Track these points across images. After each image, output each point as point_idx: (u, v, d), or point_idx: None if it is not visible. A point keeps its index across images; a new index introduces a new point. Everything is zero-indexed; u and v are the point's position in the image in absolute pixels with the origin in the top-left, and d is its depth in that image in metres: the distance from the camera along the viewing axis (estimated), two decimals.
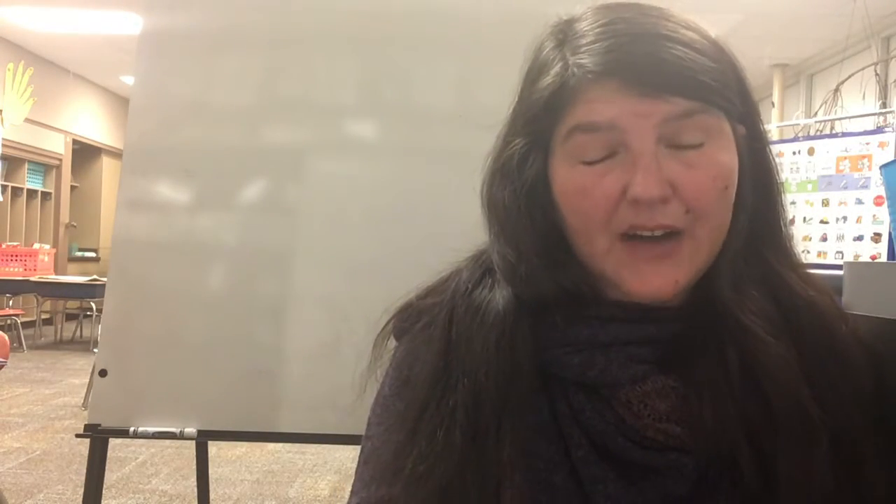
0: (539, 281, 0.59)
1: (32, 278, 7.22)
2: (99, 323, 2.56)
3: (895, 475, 0.57)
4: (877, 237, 4.35)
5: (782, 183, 0.63)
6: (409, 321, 0.67)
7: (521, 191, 0.59)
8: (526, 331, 0.59)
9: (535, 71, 0.60)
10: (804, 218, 4.69)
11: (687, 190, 0.55)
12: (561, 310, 0.60)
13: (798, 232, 4.71)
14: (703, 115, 0.55)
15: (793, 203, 4.71)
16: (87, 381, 4.82)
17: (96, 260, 9.57)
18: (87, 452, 1.52)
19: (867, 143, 4.46)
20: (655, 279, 0.56)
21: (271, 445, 3.85)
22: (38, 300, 7.57)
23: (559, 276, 0.59)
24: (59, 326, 7.92)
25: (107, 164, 9.80)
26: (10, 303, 7.50)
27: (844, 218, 4.51)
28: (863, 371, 0.58)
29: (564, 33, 0.60)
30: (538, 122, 0.58)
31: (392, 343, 0.69)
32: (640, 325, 0.58)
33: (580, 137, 0.56)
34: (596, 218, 0.56)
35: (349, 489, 0.66)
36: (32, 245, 8.19)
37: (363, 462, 0.65)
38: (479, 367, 0.58)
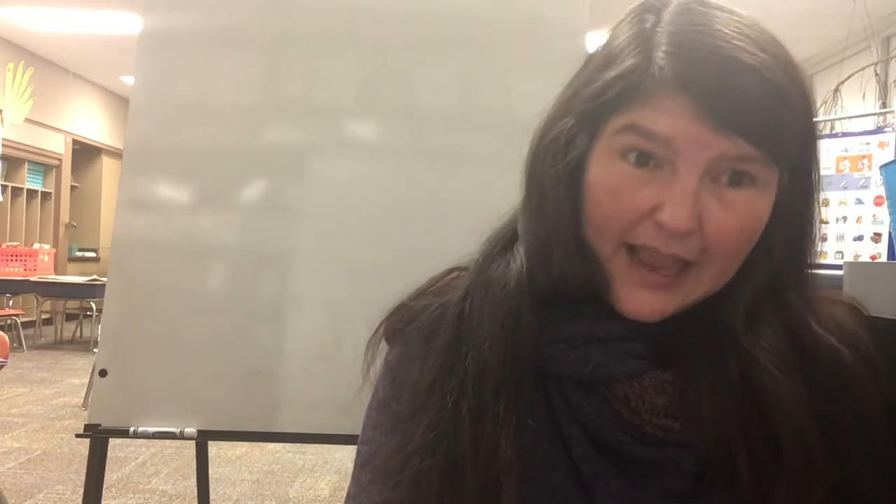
0: (567, 269, 0.58)
1: (32, 278, 7.20)
2: (99, 323, 2.55)
3: None
4: (877, 237, 4.35)
5: (819, 228, 0.60)
6: (401, 323, 0.67)
7: (564, 172, 0.57)
8: (530, 313, 0.58)
9: (608, 55, 0.57)
10: None
11: (712, 231, 0.53)
12: (564, 302, 0.59)
13: None
14: (758, 163, 0.53)
15: None
16: (87, 381, 4.81)
17: (96, 260, 9.57)
18: (87, 452, 1.52)
19: (867, 143, 4.46)
20: (644, 303, 0.56)
21: (271, 445, 3.85)
22: (38, 300, 7.56)
23: (582, 268, 0.58)
24: (59, 326, 7.91)
25: (107, 164, 9.79)
26: (10, 303, 7.49)
27: (844, 218, 4.51)
28: (881, 420, 0.57)
29: (655, 16, 0.56)
30: (597, 109, 0.56)
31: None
32: (636, 321, 0.57)
33: (632, 138, 0.54)
34: (615, 223, 0.55)
35: None
36: (32, 245, 8.18)
37: (360, 465, 0.65)
38: (485, 340, 0.58)
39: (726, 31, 0.53)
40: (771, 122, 0.52)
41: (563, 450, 0.57)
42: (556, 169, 0.58)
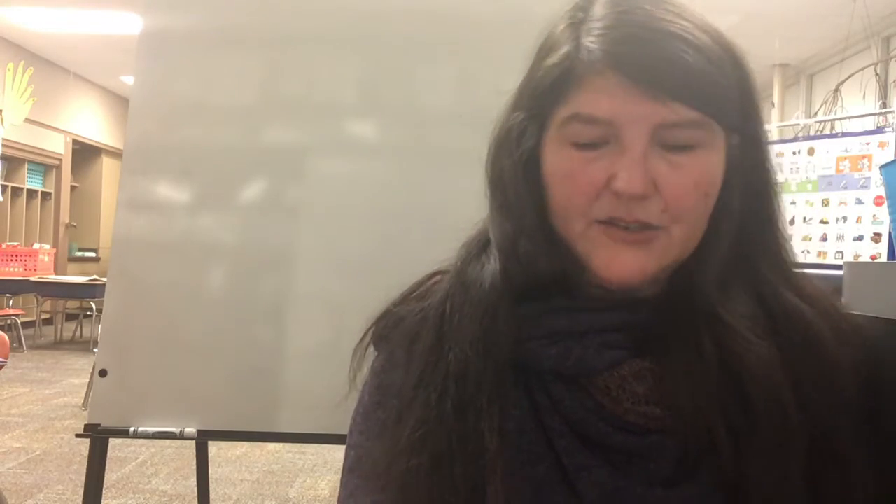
0: (536, 258, 0.60)
1: (32, 278, 7.21)
2: (99, 323, 2.56)
3: (886, 481, 0.57)
4: (877, 237, 4.35)
5: (779, 193, 0.63)
6: (387, 329, 0.68)
7: (519, 164, 0.60)
8: (508, 309, 0.60)
9: (545, 48, 0.61)
10: (804, 218, 4.69)
11: (668, 191, 0.56)
12: (541, 297, 0.61)
13: (798, 232, 4.70)
14: (698, 126, 0.56)
15: (793, 203, 4.71)
16: (87, 381, 4.82)
17: (96, 260, 9.57)
18: (87, 452, 1.52)
19: (867, 143, 4.46)
20: (624, 264, 0.57)
21: (271, 445, 3.85)
22: (38, 300, 7.57)
23: (552, 256, 0.60)
24: (59, 326, 7.92)
25: (107, 164, 9.80)
26: (10, 303, 7.49)
27: (844, 218, 4.51)
28: (851, 383, 0.58)
29: (584, 12, 0.59)
30: (540, 99, 0.59)
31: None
32: (614, 313, 0.59)
33: (578, 127, 0.57)
34: (578, 202, 0.57)
35: None
36: (32, 245, 8.18)
37: (347, 471, 0.66)
38: (466, 338, 0.60)
39: (648, 7, 0.57)
40: (701, 82, 0.55)
41: (546, 443, 0.58)
42: (512, 161, 0.61)
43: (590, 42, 0.56)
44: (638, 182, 0.55)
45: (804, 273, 0.64)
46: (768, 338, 0.57)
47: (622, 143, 0.55)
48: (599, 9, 0.58)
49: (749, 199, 0.60)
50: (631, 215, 0.56)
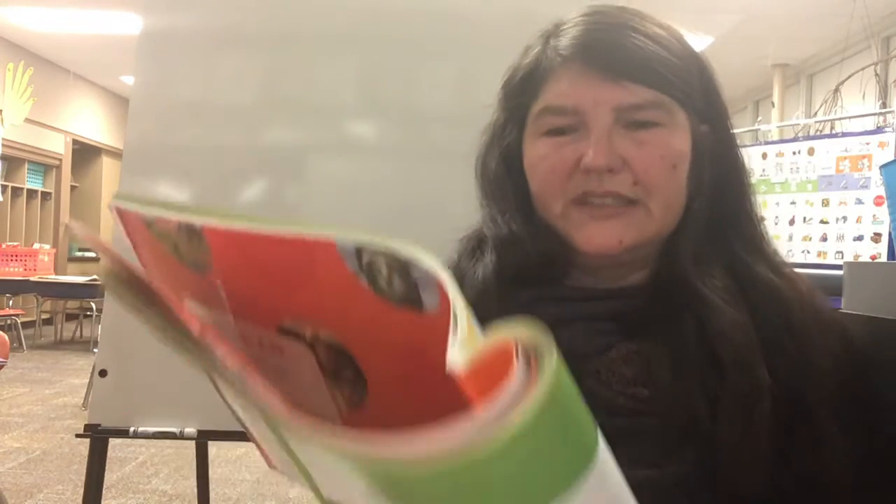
0: (521, 241, 0.64)
1: (32, 278, 7.20)
2: (99, 323, 2.55)
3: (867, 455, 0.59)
4: (877, 237, 4.34)
5: (751, 182, 0.68)
6: None
7: (500, 157, 0.67)
8: (499, 292, 0.64)
9: (521, 55, 0.68)
10: (804, 218, 4.69)
11: (637, 164, 0.60)
12: (531, 285, 0.65)
13: (798, 232, 4.70)
14: (658, 105, 0.61)
15: (793, 203, 4.71)
16: (87, 381, 4.81)
17: (96, 260, 9.52)
18: (87, 452, 1.52)
19: (867, 143, 4.45)
20: (600, 235, 0.61)
21: None
22: (38, 300, 7.56)
23: (535, 237, 0.64)
24: (59, 326, 7.91)
25: (107, 164, 9.79)
26: (10, 303, 7.49)
27: (844, 218, 4.51)
28: (825, 360, 0.60)
29: (554, 26, 0.67)
30: (515, 97, 0.67)
31: None
32: (604, 301, 0.64)
33: (549, 118, 0.63)
34: (554, 183, 0.62)
35: None
36: (32, 245, 8.18)
37: None
38: None
39: (606, 10, 0.65)
40: (654, 64, 0.61)
41: None
42: (494, 155, 0.68)
43: (556, 41, 0.64)
44: (602, 156, 0.59)
45: (786, 262, 0.68)
46: (740, 305, 0.61)
47: (588, 126, 0.61)
48: (566, 19, 0.66)
49: (720, 183, 0.64)
50: (602, 187, 0.61)
